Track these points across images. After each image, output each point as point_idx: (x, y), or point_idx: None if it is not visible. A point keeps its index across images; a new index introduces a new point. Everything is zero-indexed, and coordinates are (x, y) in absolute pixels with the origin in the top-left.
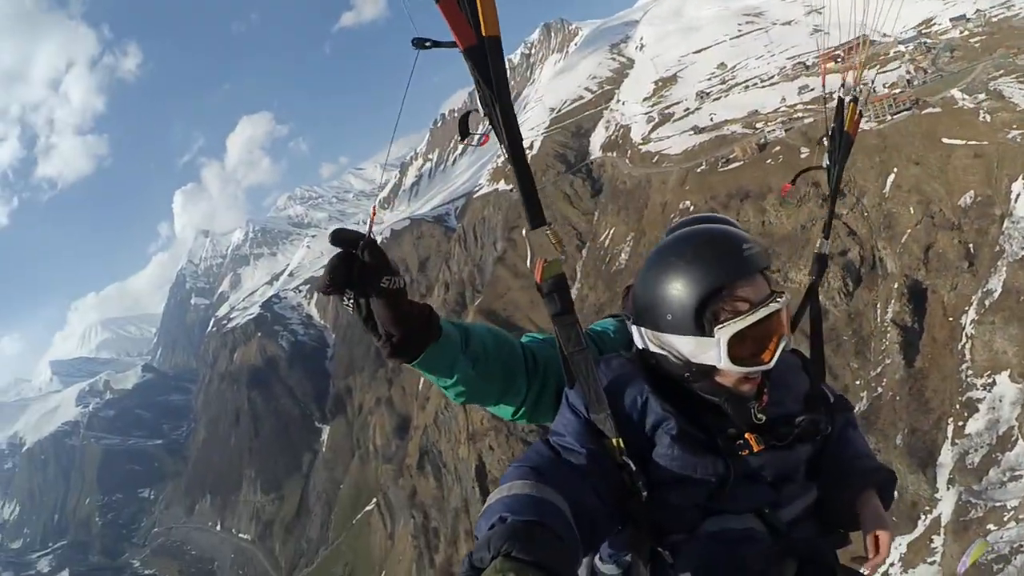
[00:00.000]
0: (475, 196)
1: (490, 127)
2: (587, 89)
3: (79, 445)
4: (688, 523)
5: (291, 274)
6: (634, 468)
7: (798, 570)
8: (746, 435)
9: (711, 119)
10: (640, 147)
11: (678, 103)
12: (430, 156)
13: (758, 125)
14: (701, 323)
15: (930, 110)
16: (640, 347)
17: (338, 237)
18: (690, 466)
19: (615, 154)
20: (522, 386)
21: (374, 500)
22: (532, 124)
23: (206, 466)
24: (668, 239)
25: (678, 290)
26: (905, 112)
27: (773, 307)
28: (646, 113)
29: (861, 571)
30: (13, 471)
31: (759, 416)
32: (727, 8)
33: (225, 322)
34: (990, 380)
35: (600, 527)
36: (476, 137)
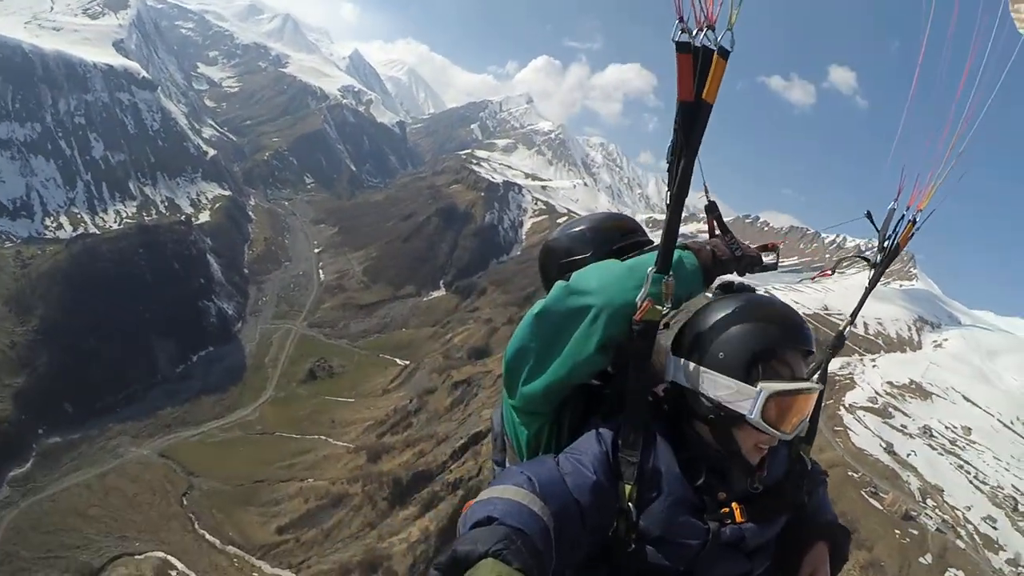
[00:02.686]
0: None
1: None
2: (865, 324)
3: (312, 108)
4: None
5: (544, 187)
6: (634, 518)
7: None
8: (732, 504)
9: (907, 455)
10: (840, 407)
11: (905, 416)
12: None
13: (928, 501)
14: (750, 372)
15: None
16: (670, 377)
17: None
18: (674, 529)
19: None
20: None
21: (408, 363)
22: (804, 301)
23: (355, 214)
24: (743, 296)
25: (741, 334)
26: None
27: (813, 387)
28: (877, 393)
29: None
30: (261, 70)
31: (756, 486)
32: None
33: (474, 161)
34: None
35: (575, 554)
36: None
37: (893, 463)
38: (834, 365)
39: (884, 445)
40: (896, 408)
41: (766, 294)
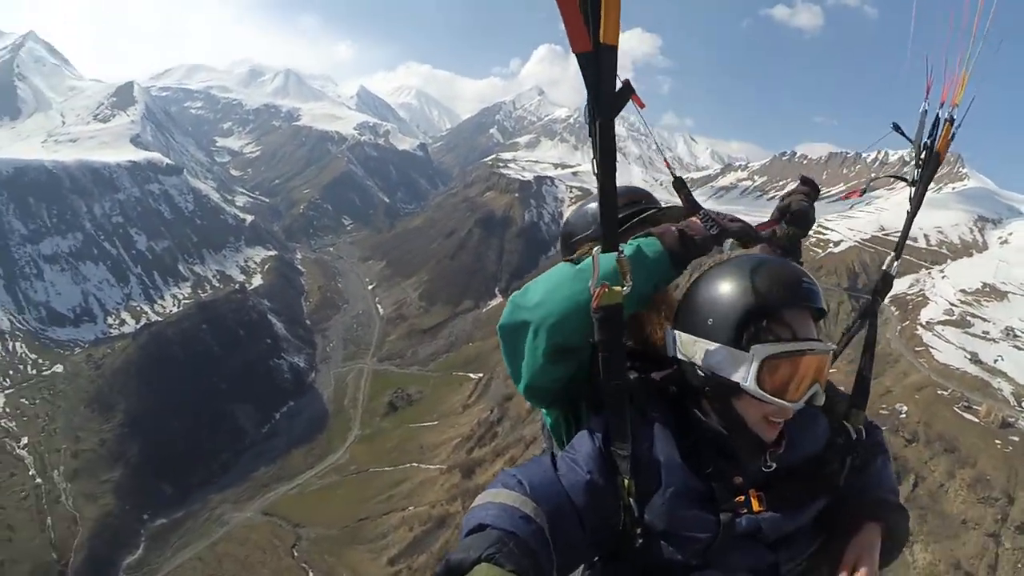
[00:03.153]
0: None
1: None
2: (926, 236)
3: (333, 153)
4: (674, 575)
5: (575, 173)
6: (636, 513)
7: None
8: (750, 492)
9: (995, 360)
10: (918, 328)
11: (984, 321)
12: (754, 178)
13: None
14: (740, 335)
15: None
16: (671, 353)
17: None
18: (679, 522)
19: (897, 312)
20: None
21: (481, 375)
22: (859, 227)
23: (398, 243)
24: (739, 256)
25: (728, 296)
26: None
27: (820, 348)
28: (952, 304)
29: None
30: (276, 129)
31: (769, 463)
32: None
33: (501, 165)
34: None
35: (576, 555)
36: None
37: (981, 372)
38: (902, 284)
39: (969, 356)
40: (974, 315)
41: (766, 255)
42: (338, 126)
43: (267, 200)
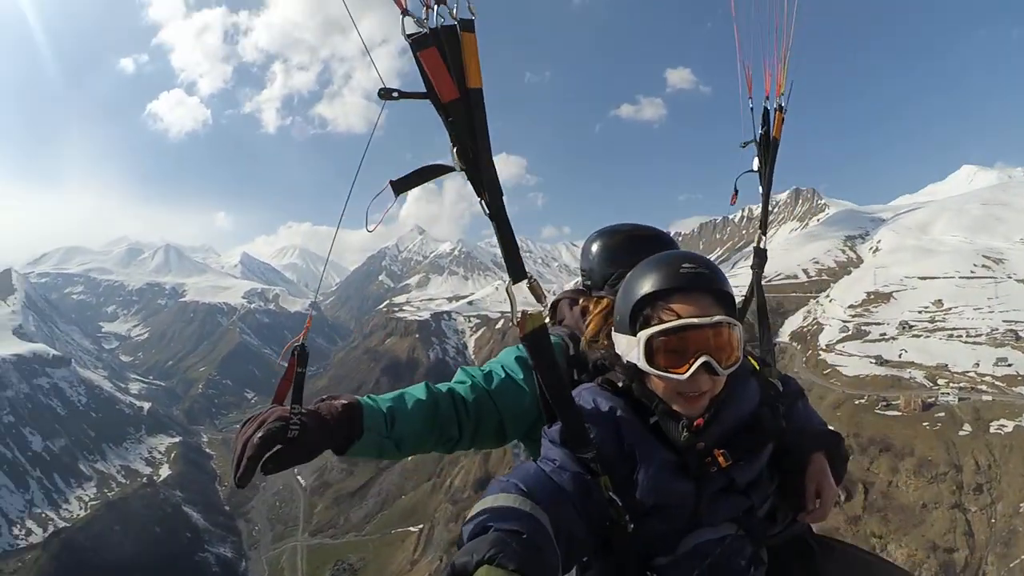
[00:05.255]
0: None
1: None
2: (805, 271)
3: (225, 326)
4: (671, 544)
5: (471, 303)
6: (621, 504)
7: (777, 551)
8: (715, 451)
9: (899, 355)
10: (820, 353)
11: (879, 324)
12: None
13: (939, 381)
14: (634, 323)
15: None
16: (615, 351)
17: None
18: (665, 493)
19: (798, 346)
20: (454, 434)
21: (421, 526)
22: (741, 280)
23: None
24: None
25: (624, 296)
26: None
27: (693, 320)
28: (844, 321)
29: (800, 519)
30: (163, 308)
31: (684, 434)
32: (971, 242)
33: (396, 309)
34: None
35: (579, 547)
36: (378, 217)
37: (890, 370)
38: (795, 319)
39: (874, 360)
40: (868, 323)
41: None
42: (225, 297)
43: (162, 383)
